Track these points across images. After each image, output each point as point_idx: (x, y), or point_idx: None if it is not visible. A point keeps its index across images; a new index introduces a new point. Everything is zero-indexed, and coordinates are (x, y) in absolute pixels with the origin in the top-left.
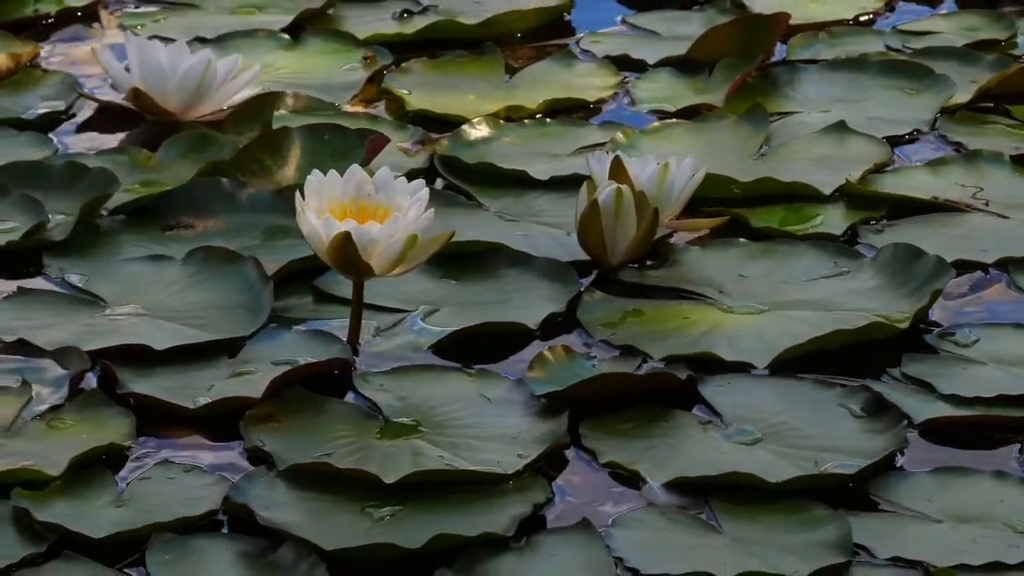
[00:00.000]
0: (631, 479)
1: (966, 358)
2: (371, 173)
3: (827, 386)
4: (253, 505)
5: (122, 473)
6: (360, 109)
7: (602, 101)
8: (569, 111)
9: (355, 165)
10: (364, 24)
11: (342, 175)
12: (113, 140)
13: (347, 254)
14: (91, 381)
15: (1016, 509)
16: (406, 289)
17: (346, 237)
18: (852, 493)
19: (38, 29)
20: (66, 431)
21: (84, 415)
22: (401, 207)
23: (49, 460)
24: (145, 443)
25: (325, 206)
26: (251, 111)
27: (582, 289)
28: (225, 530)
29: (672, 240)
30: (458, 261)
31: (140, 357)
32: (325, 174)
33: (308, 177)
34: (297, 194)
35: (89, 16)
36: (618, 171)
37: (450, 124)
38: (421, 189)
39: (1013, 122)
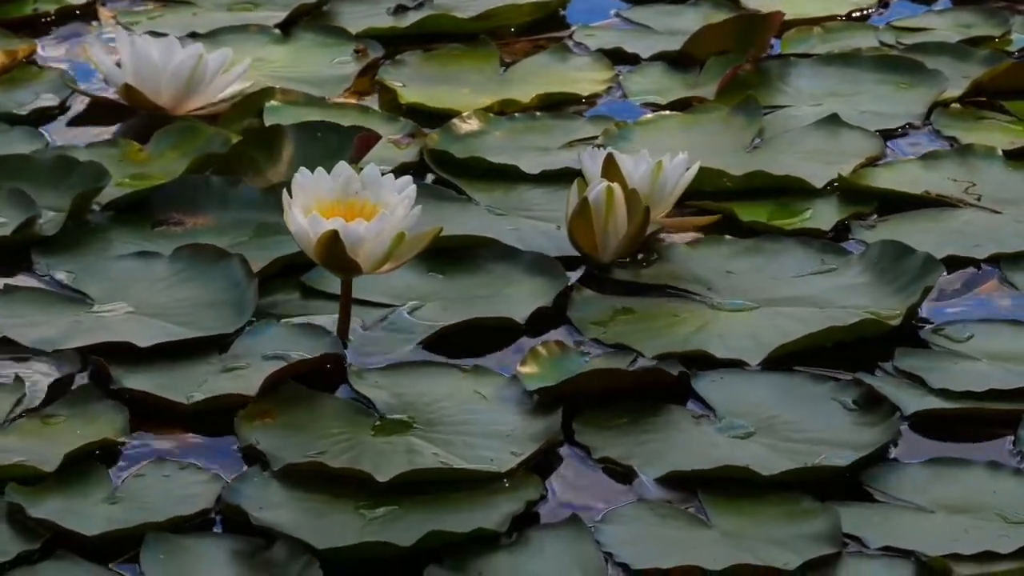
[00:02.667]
0: (625, 475)
1: (958, 353)
2: (359, 170)
3: (819, 380)
4: (246, 505)
5: (115, 469)
6: (352, 101)
7: (596, 95)
8: (563, 105)
9: (342, 162)
10: (358, 18)
11: (330, 173)
12: (105, 133)
13: (335, 252)
14: (82, 378)
15: (1008, 500)
16: (393, 284)
17: (333, 235)
18: (844, 484)
19: (37, 27)
20: (59, 427)
21: (76, 411)
22: (388, 204)
23: (42, 456)
24: (138, 439)
25: (312, 204)
26: (242, 106)
27: (570, 284)
28: (218, 528)
29: (662, 237)
30: (446, 255)
31: (129, 354)
32: (313, 171)
33: (295, 175)
34: (284, 192)
35: (88, 14)
36: (610, 168)
37: (443, 117)
38: (408, 186)
39: (1007, 117)
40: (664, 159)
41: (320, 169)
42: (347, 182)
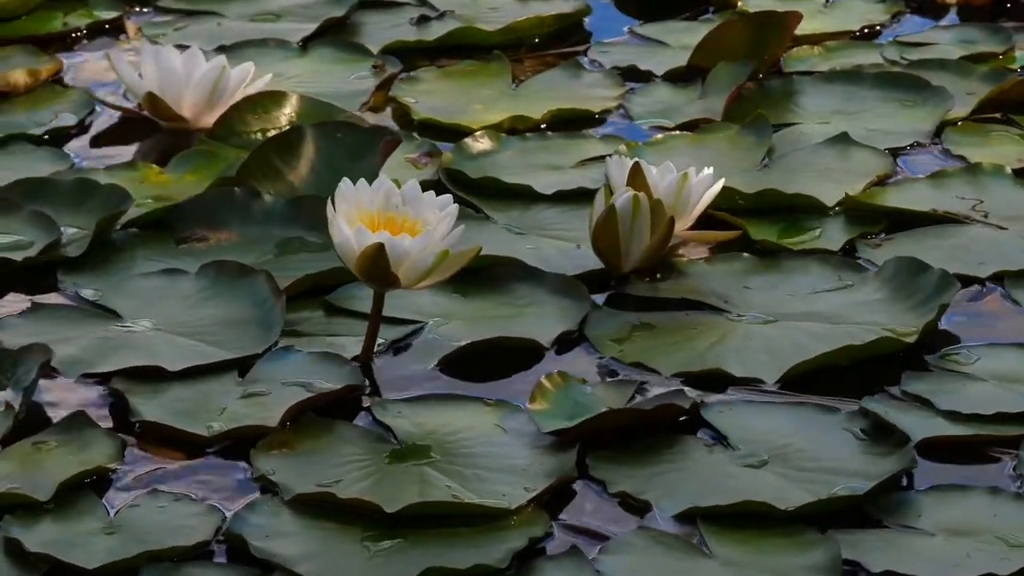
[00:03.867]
0: (641, 509)
1: (965, 375)
2: (398, 183)
3: (830, 408)
4: (249, 535)
5: (109, 496)
6: (367, 118)
7: (607, 112)
8: (574, 122)
9: (383, 175)
10: (383, 30)
11: (356, 176)
12: (125, 153)
13: (378, 265)
14: (102, 407)
15: (1009, 524)
16: (419, 301)
17: (379, 248)
18: (846, 509)
19: (67, 42)
20: (51, 453)
21: (70, 437)
22: (429, 221)
23: (35, 484)
24: (133, 465)
25: (355, 214)
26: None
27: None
28: (222, 559)
29: (681, 252)
30: (469, 274)
31: (152, 375)
32: (339, 176)
33: (339, 184)
34: (329, 203)
35: (117, 29)
36: (636, 178)
37: (455, 133)
38: (449, 204)
39: (1018, 130)
40: (690, 171)
41: (362, 180)
42: (388, 196)
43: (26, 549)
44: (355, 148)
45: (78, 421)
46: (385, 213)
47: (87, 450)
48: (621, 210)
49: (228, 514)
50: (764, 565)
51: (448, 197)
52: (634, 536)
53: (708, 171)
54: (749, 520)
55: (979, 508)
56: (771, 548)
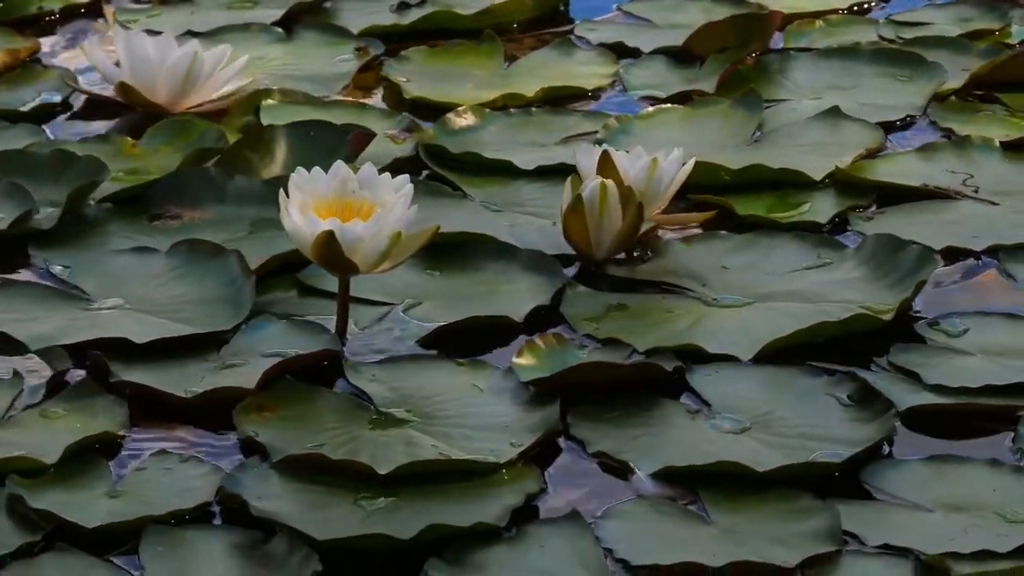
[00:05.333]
0: (619, 469)
1: (954, 348)
2: (356, 169)
3: (814, 374)
4: (246, 495)
5: (116, 462)
6: (352, 99)
7: (600, 89)
8: (567, 99)
9: (339, 161)
10: (360, 16)
11: (327, 171)
12: (103, 130)
13: (331, 252)
14: (80, 373)
15: (1008, 498)
16: (391, 282)
17: (330, 235)
18: (842, 481)
19: (42, 25)
20: (59, 421)
21: (76, 405)
22: (385, 203)
23: (43, 450)
24: (137, 433)
25: (309, 203)
26: (240, 103)
27: (567, 283)
28: (218, 521)
29: (659, 234)
30: (443, 253)
31: (125, 350)
32: (309, 170)
33: (292, 174)
34: (281, 191)
35: (93, 12)
36: (606, 165)
37: (447, 112)
38: (405, 185)
39: (1004, 109)
40: (659, 155)
41: (317, 168)
42: (344, 181)
43: (29, 507)
44: (328, 144)
45: (84, 389)
46: (342, 199)
47: (95, 418)
48: (588, 200)
49: (222, 478)
50: (763, 532)
51: (404, 177)
52: (633, 503)
53: (678, 152)
54: (749, 487)
55: (978, 482)
56: (770, 515)
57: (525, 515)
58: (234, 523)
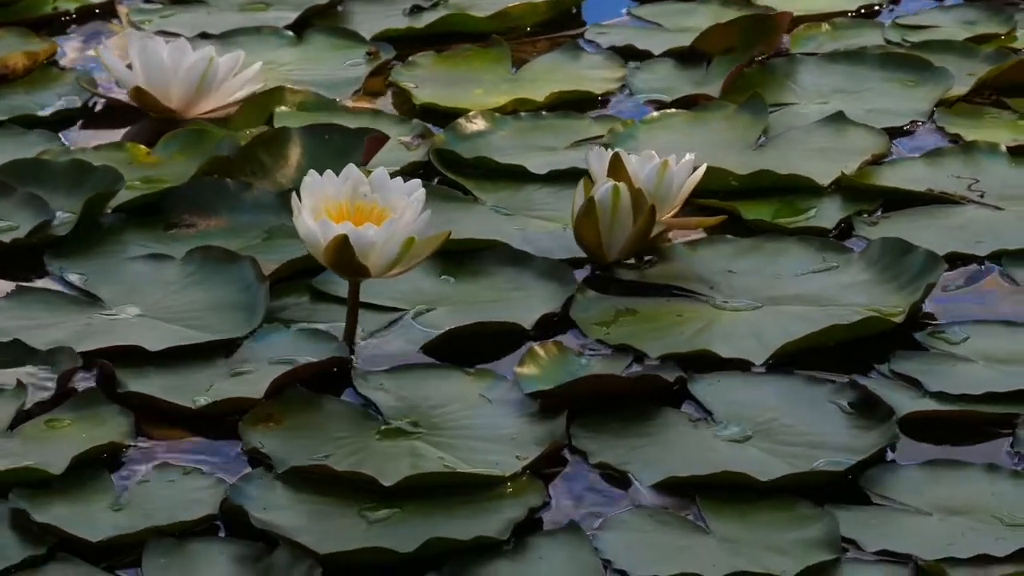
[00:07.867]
0: (622, 480)
1: (955, 355)
2: (368, 173)
3: (817, 383)
4: (249, 507)
5: (121, 473)
6: (364, 104)
7: (609, 93)
8: (576, 104)
9: (351, 165)
10: (373, 19)
11: (339, 175)
12: (116, 137)
13: (344, 256)
14: (89, 381)
15: (1006, 502)
16: (401, 288)
17: (343, 240)
18: (841, 486)
19: (57, 26)
20: (64, 430)
21: (83, 414)
22: (397, 207)
23: (48, 460)
24: (144, 443)
25: (321, 207)
26: (254, 108)
27: (577, 288)
28: (222, 533)
29: (669, 237)
30: (454, 258)
31: (136, 357)
32: (322, 174)
33: (304, 178)
34: (293, 195)
35: (108, 12)
36: (617, 168)
37: (456, 118)
38: (417, 189)
39: (1011, 114)
40: (670, 159)
41: (329, 172)
42: (356, 185)
43: (33, 521)
44: (342, 147)
45: (90, 398)
46: (354, 203)
47: (101, 427)
48: (601, 202)
49: (226, 489)
50: (762, 541)
51: (416, 182)
52: (631, 513)
53: (689, 156)
54: (747, 495)
55: (976, 486)
56: (768, 524)
57: (526, 527)
58: (238, 535)
